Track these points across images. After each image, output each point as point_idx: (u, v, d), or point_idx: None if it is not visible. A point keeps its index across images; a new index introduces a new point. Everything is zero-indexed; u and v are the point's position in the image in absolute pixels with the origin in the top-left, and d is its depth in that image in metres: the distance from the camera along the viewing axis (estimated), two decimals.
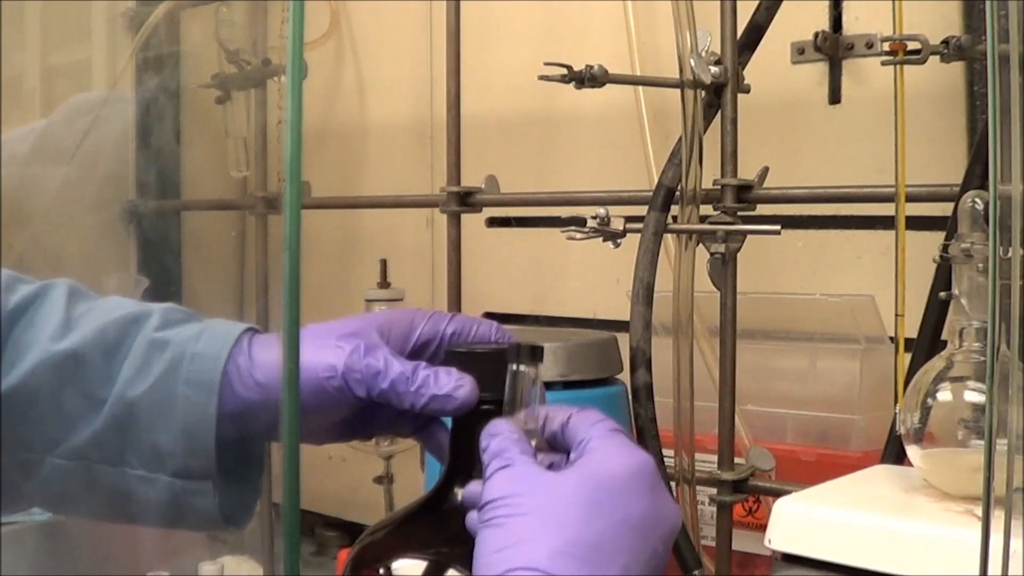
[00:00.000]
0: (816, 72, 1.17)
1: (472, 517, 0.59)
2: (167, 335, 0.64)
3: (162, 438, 0.62)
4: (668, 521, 0.59)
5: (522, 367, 0.62)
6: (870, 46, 1.12)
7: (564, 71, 1.00)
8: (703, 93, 0.98)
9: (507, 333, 0.68)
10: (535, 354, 0.62)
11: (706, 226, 0.98)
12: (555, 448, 0.62)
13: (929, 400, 0.75)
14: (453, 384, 0.63)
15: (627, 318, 1.00)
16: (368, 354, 0.63)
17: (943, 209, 0.92)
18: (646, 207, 1.01)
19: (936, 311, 0.91)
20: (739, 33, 1.00)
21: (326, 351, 0.63)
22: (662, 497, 0.58)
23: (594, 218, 1.01)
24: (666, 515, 0.58)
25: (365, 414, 0.67)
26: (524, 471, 0.57)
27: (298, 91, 0.42)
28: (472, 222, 1.33)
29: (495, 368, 0.61)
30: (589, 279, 1.37)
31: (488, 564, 0.53)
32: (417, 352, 0.67)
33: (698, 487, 1.01)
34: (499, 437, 0.60)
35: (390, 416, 0.68)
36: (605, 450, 0.58)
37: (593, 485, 0.56)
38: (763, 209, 1.04)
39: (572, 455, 0.60)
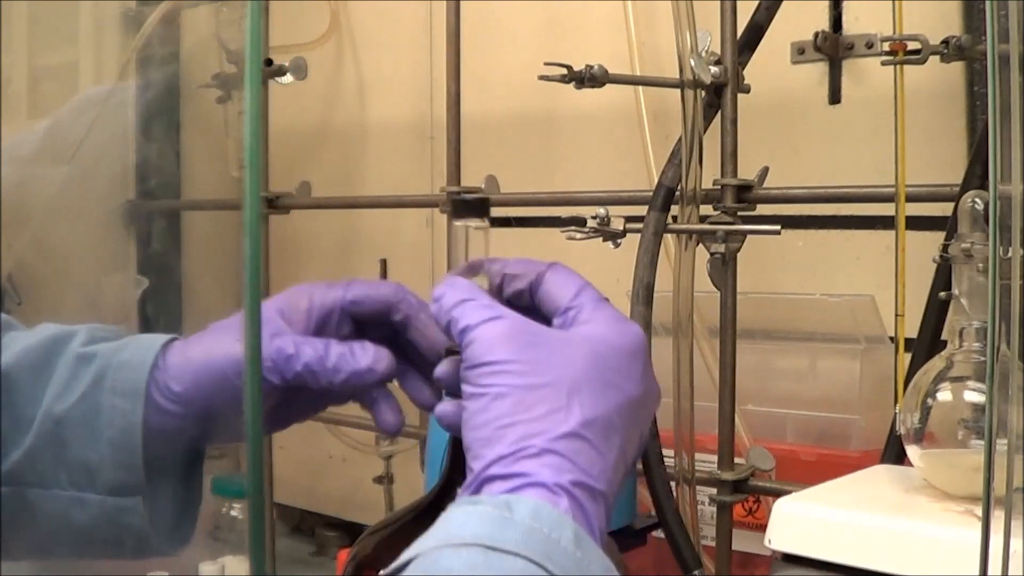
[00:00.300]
0: (816, 72, 1.17)
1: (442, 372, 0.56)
2: (93, 349, 0.64)
3: (90, 452, 0.62)
4: (655, 401, 0.57)
5: (469, 223, 0.60)
6: (870, 46, 1.12)
7: (564, 71, 1.00)
8: (703, 93, 0.98)
9: (412, 295, 0.65)
10: (482, 207, 0.60)
11: (706, 226, 0.98)
12: (517, 307, 0.58)
13: (929, 400, 0.75)
14: (371, 358, 0.61)
15: None
16: (275, 339, 0.61)
17: (943, 209, 0.92)
18: (646, 207, 1.01)
19: (936, 311, 0.91)
20: (739, 33, 1.00)
21: (232, 345, 0.62)
22: (652, 376, 0.56)
23: (594, 218, 1.01)
24: (655, 395, 0.57)
25: (281, 403, 0.66)
26: (521, 329, 0.54)
27: (257, 82, 0.42)
28: None
29: None
30: (589, 279, 1.37)
31: (488, 439, 0.51)
32: (321, 325, 0.64)
33: (698, 487, 1.01)
34: (458, 285, 0.57)
35: (308, 399, 0.67)
36: (603, 323, 0.56)
37: (602, 361, 0.53)
38: (763, 209, 1.04)
39: (557, 321, 0.57)
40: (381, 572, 0.47)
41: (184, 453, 0.66)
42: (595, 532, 0.49)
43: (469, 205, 0.60)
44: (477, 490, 0.50)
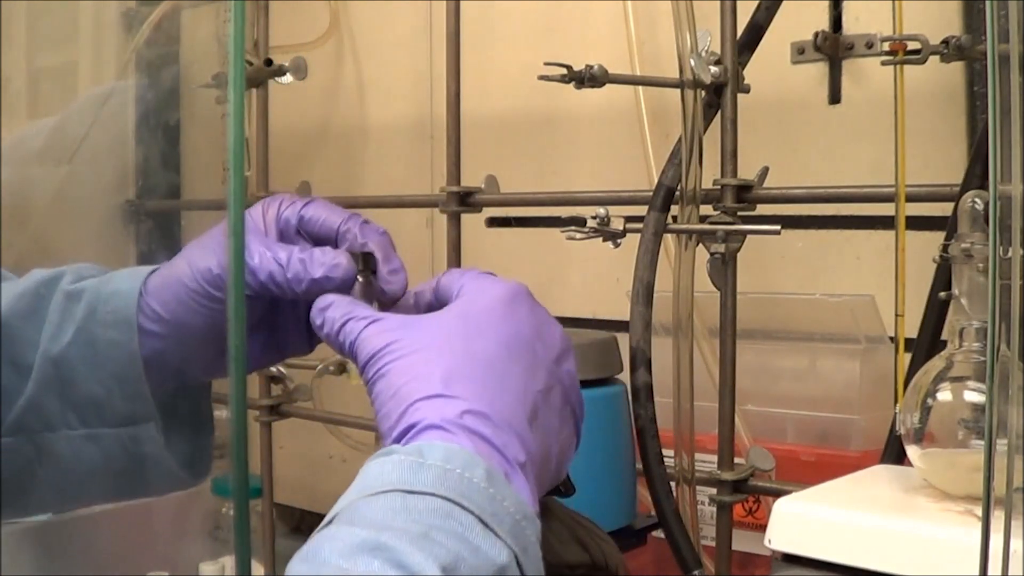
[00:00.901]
0: (816, 72, 1.17)
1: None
2: (81, 285, 0.65)
3: (95, 387, 0.62)
4: (555, 337, 0.59)
5: (360, 277, 0.64)
6: (870, 46, 1.12)
7: (564, 71, 1.00)
8: (703, 93, 0.98)
9: (366, 227, 0.67)
10: (368, 261, 0.64)
11: (706, 226, 0.98)
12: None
13: (929, 400, 0.75)
14: (327, 267, 0.63)
15: (627, 318, 1.00)
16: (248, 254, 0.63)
17: (943, 209, 0.92)
18: (646, 207, 1.01)
19: (936, 311, 0.91)
20: (739, 33, 1.00)
21: (203, 258, 0.63)
22: (544, 314, 0.59)
23: (594, 218, 1.01)
24: (551, 331, 0.59)
25: (266, 322, 0.67)
26: (394, 321, 0.57)
27: (240, 86, 0.43)
28: (472, 222, 1.33)
29: None
30: (589, 279, 1.37)
31: (387, 413, 0.53)
32: (281, 235, 0.66)
33: (698, 487, 1.01)
34: (334, 304, 0.60)
35: (290, 316, 0.68)
36: (478, 285, 0.59)
37: (472, 313, 0.56)
38: (763, 209, 1.04)
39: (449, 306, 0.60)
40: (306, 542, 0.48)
41: (183, 380, 0.66)
42: (509, 462, 0.51)
43: (361, 259, 0.64)
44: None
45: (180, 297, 0.63)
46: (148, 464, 0.64)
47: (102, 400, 0.63)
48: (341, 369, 1.40)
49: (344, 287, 0.63)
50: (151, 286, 0.64)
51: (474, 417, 0.51)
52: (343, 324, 0.58)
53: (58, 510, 0.69)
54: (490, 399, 0.52)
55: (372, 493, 0.48)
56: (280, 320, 0.68)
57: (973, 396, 0.73)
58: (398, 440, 0.51)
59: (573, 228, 1.01)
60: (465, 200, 1.24)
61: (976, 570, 0.52)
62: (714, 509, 1.00)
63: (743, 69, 1.00)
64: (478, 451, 0.50)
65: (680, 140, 0.99)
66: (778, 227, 0.95)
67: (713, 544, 1.01)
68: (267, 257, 0.62)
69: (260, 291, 0.63)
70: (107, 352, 0.62)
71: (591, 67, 1.00)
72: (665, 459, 1.00)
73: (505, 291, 0.58)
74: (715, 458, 1.00)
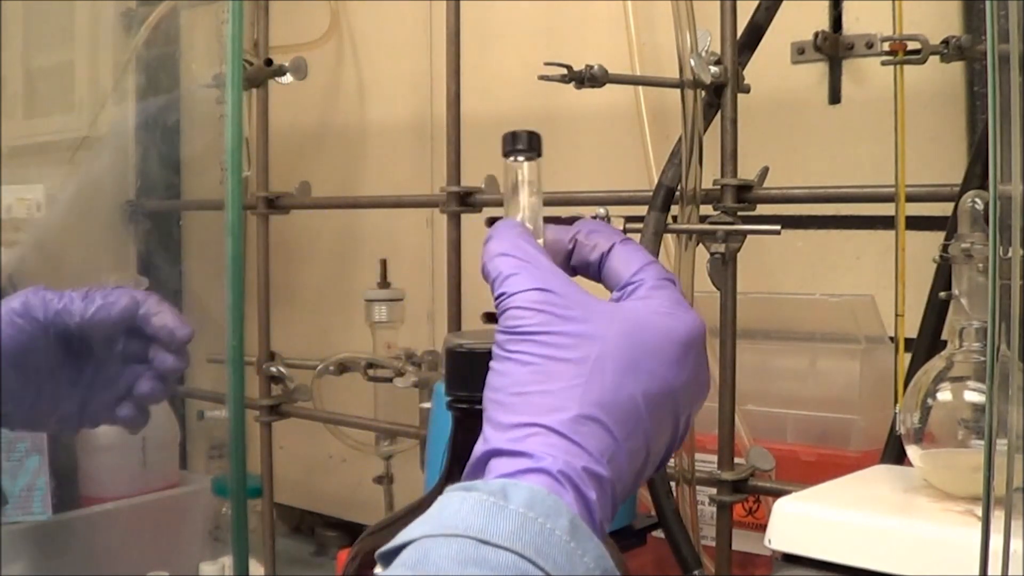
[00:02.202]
0: (816, 72, 1.17)
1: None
2: None
3: None
4: (702, 394, 0.55)
5: (520, 159, 0.56)
6: (870, 46, 1.12)
7: (564, 71, 1.00)
8: (703, 93, 0.98)
9: (144, 297, 0.74)
10: (532, 142, 0.57)
11: (706, 226, 0.98)
12: (584, 274, 0.58)
13: (929, 400, 0.75)
14: (111, 295, 0.70)
15: None
16: (46, 290, 0.70)
17: (943, 209, 0.92)
18: (646, 207, 1.01)
19: (936, 311, 0.91)
20: (739, 33, 1.00)
21: (18, 297, 0.71)
22: (703, 367, 0.54)
23: (594, 218, 1.00)
24: (702, 387, 0.55)
25: (66, 373, 0.72)
26: (561, 301, 0.52)
27: (238, 87, 0.43)
28: (472, 222, 1.33)
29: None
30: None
31: (501, 402, 0.50)
32: None
33: (698, 487, 1.01)
34: (509, 236, 0.56)
35: (92, 369, 0.74)
36: (655, 303, 0.54)
37: (639, 343, 0.51)
38: (763, 209, 1.04)
39: (615, 295, 0.56)
40: (377, 551, 0.46)
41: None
42: (595, 520, 0.48)
43: (519, 138, 0.57)
44: (484, 462, 0.49)
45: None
46: None
47: None
48: (341, 369, 1.40)
49: (124, 314, 0.70)
50: None
51: (590, 477, 0.48)
52: (500, 255, 0.55)
53: None
54: (610, 456, 0.49)
55: (445, 534, 0.45)
56: (78, 367, 0.74)
57: (973, 396, 0.73)
58: (498, 453, 0.48)
59: None
60: (465, 200, 1.24)
61: (976, 570, 0.53)
62: (714, 509, 1.00)
63: (743, 69, 1.00)
64: (573, 504, 0.47)
65: (680, 140, 0.99)
66: (778, 227, 0.95)
67: (713, 544, 1.01)
68: (67, 293, 0.71)
69: (54, 319, 0.70)
70: None
71: (591, 67, 1.00)
72: None
73: (686, 332, 0.53)
74: (715, 458, 1.00)
